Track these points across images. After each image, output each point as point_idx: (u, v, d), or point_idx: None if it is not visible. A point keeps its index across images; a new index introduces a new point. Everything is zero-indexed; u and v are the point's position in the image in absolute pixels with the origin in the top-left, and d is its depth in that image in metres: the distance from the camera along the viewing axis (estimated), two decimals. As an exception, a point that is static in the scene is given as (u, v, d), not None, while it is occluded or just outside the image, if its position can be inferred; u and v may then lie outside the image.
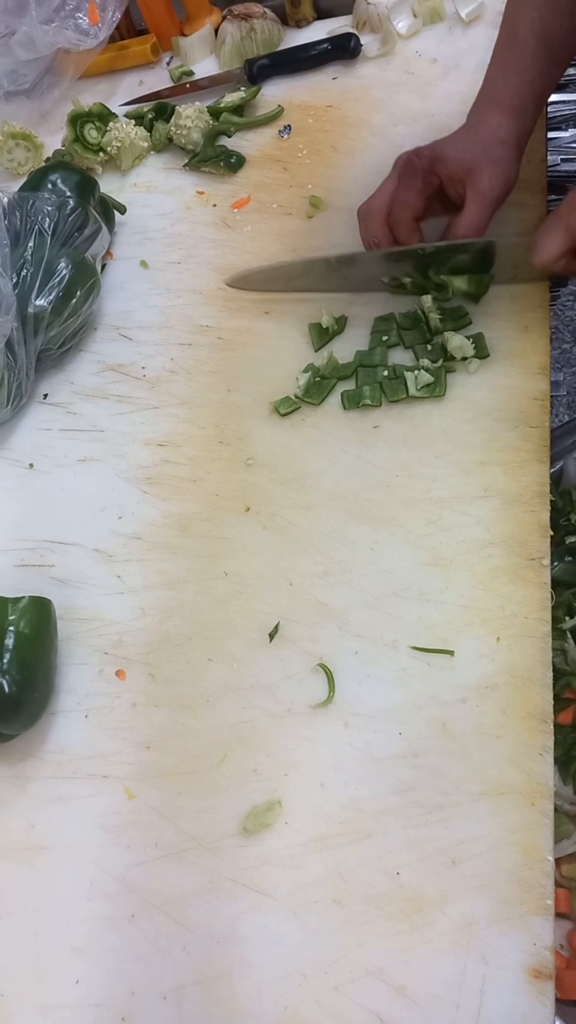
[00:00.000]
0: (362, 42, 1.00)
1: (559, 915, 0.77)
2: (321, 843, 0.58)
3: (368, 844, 0.57)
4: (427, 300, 0.78)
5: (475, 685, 0.61)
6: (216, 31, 1.08)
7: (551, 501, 0.70)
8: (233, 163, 0.96)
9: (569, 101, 1.58)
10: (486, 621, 0.63)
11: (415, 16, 0.99)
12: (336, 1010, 0.53)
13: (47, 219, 0.83)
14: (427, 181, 0.75)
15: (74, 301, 0.82)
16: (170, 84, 1.07)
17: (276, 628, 0.66)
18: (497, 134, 0.73)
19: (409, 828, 0.57)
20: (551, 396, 2.00)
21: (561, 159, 1.50)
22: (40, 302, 0.80)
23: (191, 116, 0.97)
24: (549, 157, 1.53)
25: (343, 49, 1.00)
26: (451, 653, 0.62)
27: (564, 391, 1.68)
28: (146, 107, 1.03)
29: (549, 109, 1.59)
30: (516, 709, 0.60)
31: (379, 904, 0.55)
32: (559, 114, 1.58)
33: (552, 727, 0.59)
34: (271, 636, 0.66)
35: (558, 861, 0.77)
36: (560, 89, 1.61)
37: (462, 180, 0.73)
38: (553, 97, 1.62)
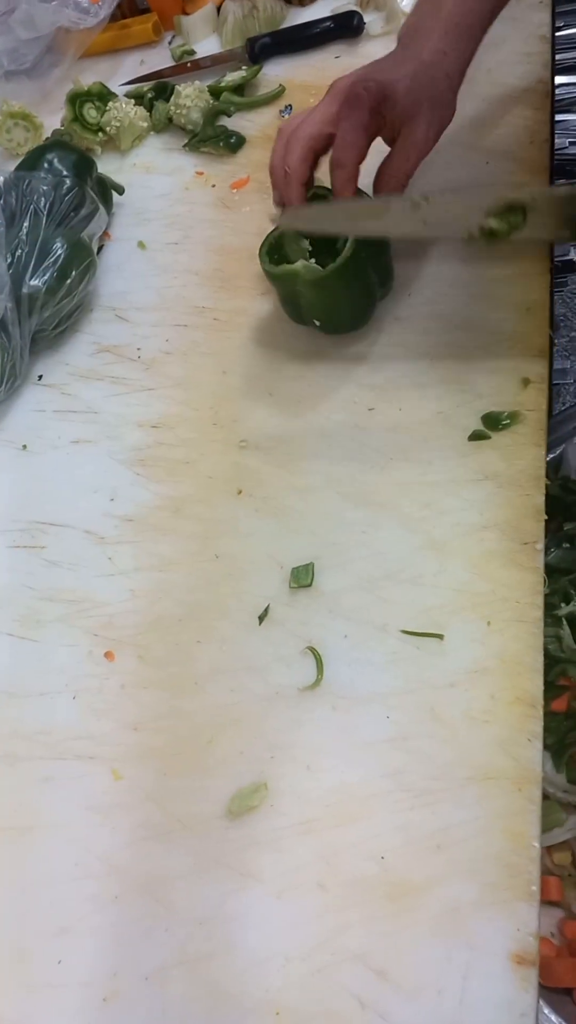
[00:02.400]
0: (365, 20, 0.99)
1: (551, 903, 0.76)
2: (307, 826, 0.57)
3: (354, 828, 0.57)
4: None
5: (465, 669, 0.60)
6: (218, 9, 1.07)
7: (547, 487, 0.70)
8: (233, 143, 0.95)
9: (578, 83, 1.57)
10: (478, 605, 0.62)
11: (419, -6, 0.98)
12: (318, 993, 0.53)
13: (43, 199, 0.82)
14: (373, 120, 0.65)
15: (69, 281, 0.81)
16: (172, 63, 1.06)
17: (266, 611, 0.66)
18: (444, 67, 0.66)
19: (396, 812, 0.57)
20: (559, 384, 1.97)
21: (569, 142, 1.49)
22: (35, 282, 0.80)
23: (191, 96, 0.96)
24: (557, 140, 1.51)
25: (346, 27, 0.99)
26: (440, 637, 0.61)
27: (571, 379, 1.66)
28: (146, 87, 1.02)
29: (557, 91, 1.57)
30: (506, 694, 0.59)
31: (364, 888, 0.55)
32: (568, 96, 1.56)
33: (541, 713, 0.58)
34: (261, 619, 0.66)
35: (549, 849, 0.76)
36: (570, 71, 1.59)
37: (401, 125, 0.66)
38: (563, 79, 1.60)
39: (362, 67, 0.69)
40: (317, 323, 0.75)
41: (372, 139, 0.67)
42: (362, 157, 0.67)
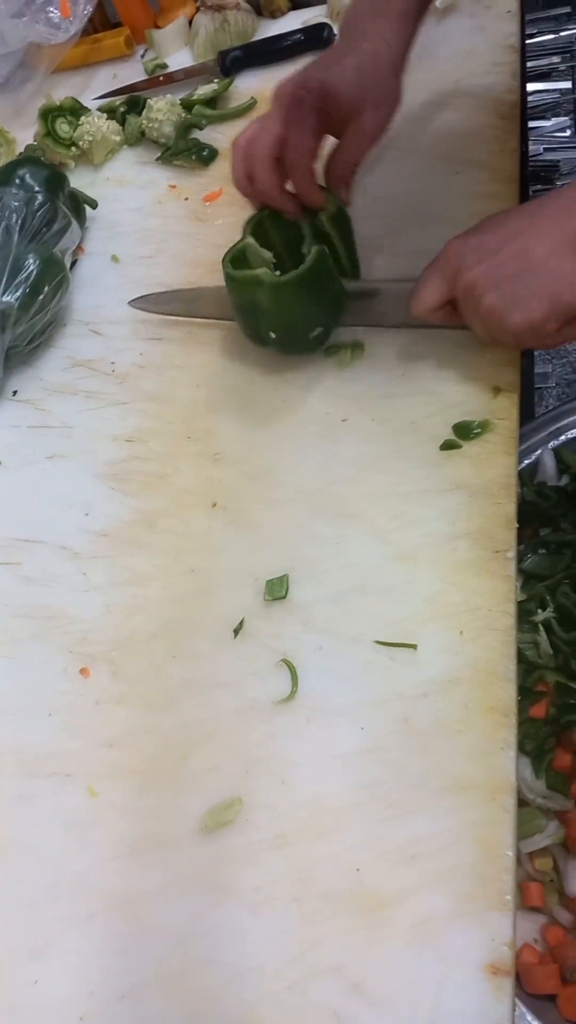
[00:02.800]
0: (335, 32, 0.99)
1: (533, 909, 0.76)
2: (282, 840, 0.57)
3: (328, 841, 0.57)
4: None
5: (438, 679, 0.60)
6: (190, 23, 1.07)
7: (524, 492, 0.70)
8: (205, 156, 0.95)
9: (552, 90, 1.58)
10: (450, 615, 0.62)
11: (388, 5, 0.98)
12: (293, 1008, 0.52)
13: (15, 215, 0.82)
14: (319, 120, 0.67)
15: (42, 297, 0.81)
16: (144, 77, 1.07)
17: (241, 624, 0.66)
18: (387, 57, 0.67)
19: (370, 824, 0.57)
20: (541, 387, 1.97)
21: (544, 148, 1.49)
22: (7, 298, 0.80)
23: (163, 109, 0.96)
24: (531, 146, 1.52)
25: (317, 39, 1.00)
26: (414, 647, 0.61)
27: (553, 383, 1.67)
28: (118, 101, 1.03)
29: (530, 98, 1.58)
30: (479, 703, 0.59)
31: (338, 901, 0.55)
32: (541, 103, 1.58)
33: (515, 722, 0.58)
34: (235, 632, 0.65)
35: (531, 855, 0.76)
36: (543, 78, 1.60)
37: (348, 117, 0.67)
38: (535, 86, 1.61)
39: (305, 66, 0.70)
40: (273, 335, 0.74)
41: (321, 137, 0.69)
42: (315, 157, 0.69)
